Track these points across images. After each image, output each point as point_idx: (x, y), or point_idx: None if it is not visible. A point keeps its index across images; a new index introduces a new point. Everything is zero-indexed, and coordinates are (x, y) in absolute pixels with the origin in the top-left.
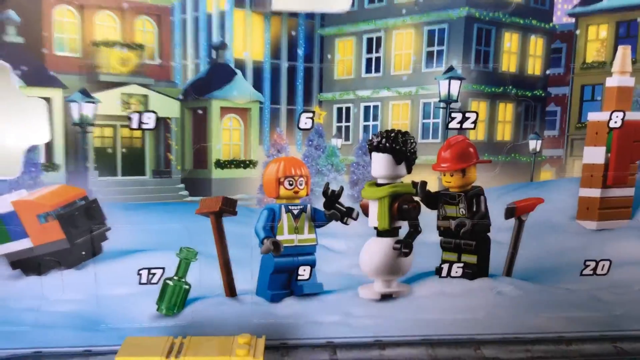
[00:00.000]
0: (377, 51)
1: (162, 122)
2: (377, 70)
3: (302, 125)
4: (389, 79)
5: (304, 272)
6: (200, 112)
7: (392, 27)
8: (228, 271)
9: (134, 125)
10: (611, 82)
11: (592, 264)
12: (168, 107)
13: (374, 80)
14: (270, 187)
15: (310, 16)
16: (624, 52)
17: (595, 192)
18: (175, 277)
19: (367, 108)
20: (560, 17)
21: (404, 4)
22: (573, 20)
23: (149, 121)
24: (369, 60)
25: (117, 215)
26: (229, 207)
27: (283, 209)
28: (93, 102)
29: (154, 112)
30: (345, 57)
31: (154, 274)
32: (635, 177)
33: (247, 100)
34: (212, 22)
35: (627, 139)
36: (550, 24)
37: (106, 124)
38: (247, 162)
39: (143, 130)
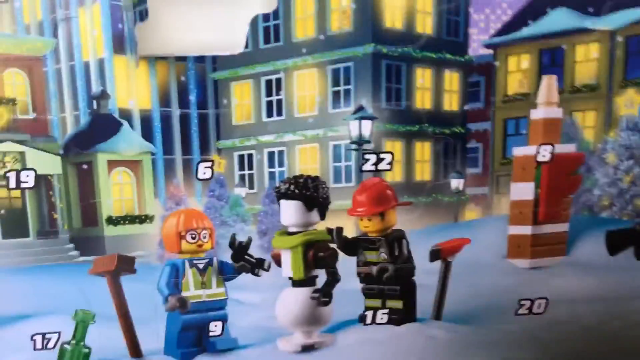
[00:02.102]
0: (277, 94)
1: (43, 180)
2: (280, 113)
3: (200, 176)
4: (293, 122)
5: (215, 328)
6: (85, 167)
7: (292, 68)
8: (130, 331)
9: (12, 184)
10: (536, 114)
11: (528, 303)
12: (48, 163)
13: (277, 124)
14: (170, 242)
15: (200, 59)
16: (549, 81)
17: (525, 230)
18: (73, 341)
19: (271, 154)
20: (477, 48)
21: (304, 42)
22: (491, 51)
23: (28, 179)
24: (269, 104)
25: (2, 281)
26: (126, 265)
27: (187, 264)
28: None
29: (32, 169)
30: (243, 101)
31: (49, 339)
32: (569, 212)
33: (136, 152)
34: (90, 71)
35: (558, 173)
36: (466, 57)
37: None
38: (143, 217)
39: (22, 189)
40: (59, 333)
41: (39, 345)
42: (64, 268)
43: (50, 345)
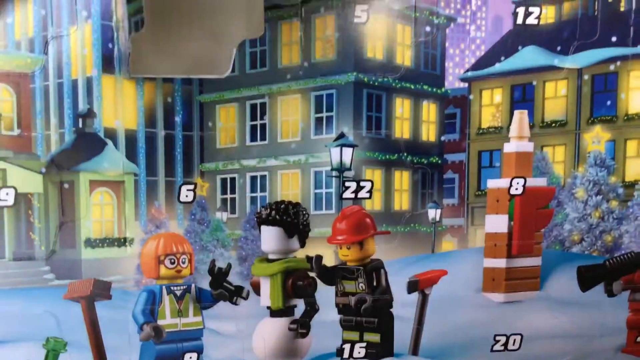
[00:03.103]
0: (262, 118)
1: (22, 198)
2: (263, 137)
3: (182, 199)
4: (276, 146)
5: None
6: (66, 186)
7: (277, 93)
8: None
9: None
10: (509, 147)
11: (503, 339)
12: (29, 181)
13: (260, 148)
14: (149, 266)
15: (187, 81)
16: (520, 116)
17: (500, 263)
18: None
19: (253, 178)
20: (453, 81)
21: (289, 68)
22: (466, 85)
23: (8, 197)
24: (253, 128)
25: None
26: (101, 290)
27: (164, 290)
28: None
29: (13, 187)
30: (227, 124)
31: None
32: (541, 246)
33: (119, 173)
34: (78, 89)
35: (530, 206)
36: (443, 89)
37: None
38: (122, 239)
39: (0, 207)
40: None
41: None
42: (38, 292)
43: None
